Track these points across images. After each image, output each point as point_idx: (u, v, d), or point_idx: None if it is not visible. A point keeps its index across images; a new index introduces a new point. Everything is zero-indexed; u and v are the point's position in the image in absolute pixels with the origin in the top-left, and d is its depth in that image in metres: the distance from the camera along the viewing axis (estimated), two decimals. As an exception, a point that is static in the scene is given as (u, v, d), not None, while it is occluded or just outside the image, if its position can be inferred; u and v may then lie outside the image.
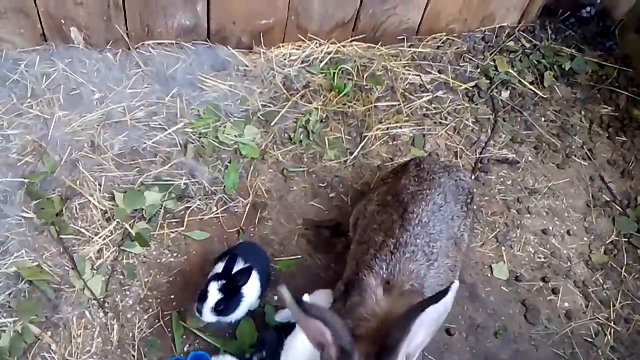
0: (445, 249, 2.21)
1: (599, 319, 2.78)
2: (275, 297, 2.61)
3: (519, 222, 2.99)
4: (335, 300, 2.23)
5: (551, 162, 3.22)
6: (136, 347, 2.44)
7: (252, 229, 2.80)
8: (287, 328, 2.34)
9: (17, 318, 2.42)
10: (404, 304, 2.00)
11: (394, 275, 2.08)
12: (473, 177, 3.04)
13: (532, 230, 2.98)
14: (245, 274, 2.31)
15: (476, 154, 3.17)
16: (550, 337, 2.70)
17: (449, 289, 1.75)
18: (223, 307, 2.30)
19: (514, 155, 3.20)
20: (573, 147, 3.30)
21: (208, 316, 2.30)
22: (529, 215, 3.02)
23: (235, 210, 2.84)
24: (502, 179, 3.11)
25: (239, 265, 2.37)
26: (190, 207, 2.79)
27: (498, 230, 2.94)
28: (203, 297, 2.30)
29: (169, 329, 2.49)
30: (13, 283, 2.50)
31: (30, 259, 2.55)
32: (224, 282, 2.29)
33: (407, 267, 2.09)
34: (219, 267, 2.37)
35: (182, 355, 2.42)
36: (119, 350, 2.43)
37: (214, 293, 2.28)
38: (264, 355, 2.28)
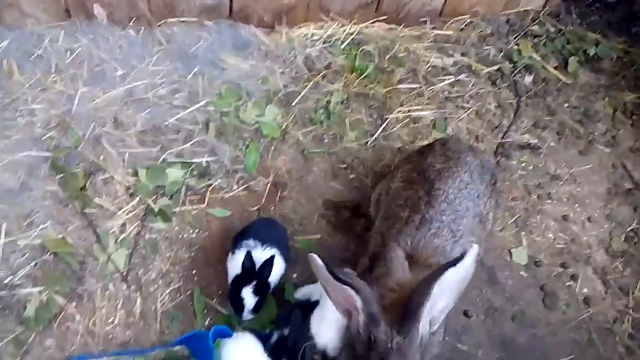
0: (470, 227, 2.21)
1: (617, 306, 2.78)
2: (295, 275, 2.63)
3: (539, 207, 2.98)
4: (360, 275, 2.23)
5: (573, 149, 3.20)
6: (158, 319, 2.47)
7: (272, 208, 2.81)
8: (308, 306, 2.36)
9: (42, 288, 2.47)
10: None
11: (419, 249, 2.10)
12: (494, 161, 3.03)
13: (552, 216, 2.97)
14: (268, 266, 2.34)
15: (498, 139, 3.16)
16: (568, 322, 2.70)
17: (467, 253, 1.77)
18: (259, 305, 2.35)
19: (536, 141, 3.18)
20: (596, 133, 3.27)
21: (248, 317, 2.37)
22: (549, 201, 3.01)
23: (256, 189, 2.85)
24: (523, 164, 3.10)
25: (254, 252, 2.39)
26: (212, 184, 2.81)
27: (518, 215, 2.94)
28: (239, 306, 2.33)
29: (190, 304, 2.52)
30: (38, 254, 2.53)
31: (55, 232, 2.59)
32: (254, 283, 2.31)
33: (432, 242, 2.11)
34: (237, 261, 2.36)
35: (203, 329, 2.45)
36: (142, 322, 2.47)
37: (249, 299, 2.31)
38: (285, 332, 2.30)
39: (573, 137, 3.23)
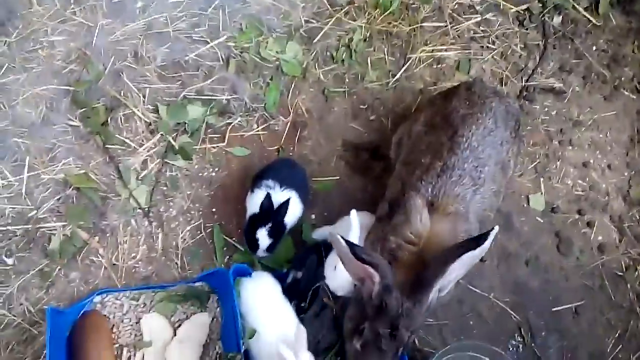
0: (492, 174, 2.20)
1: (631, 253, 2.80)
2: (313, 216, 2.67)
3: (560, 153, 2.95)
4: (379, 219, 2.27)
5: (598, 94, 3.12)
6: (179, 255, 2.55)
7: (291, 148, 2.82)
8: (325, 246, 2.41)
9: (66, 223, 2.53)
10: (447, 226, 2.05)
11: (439, 197, 2.10)
12: (518, 105, 2.98)
13: (572, 163, 2.94)
14: (284, 207, 2.37)
15: (522, 82, 3.09)
16: (581, 268, 2.73)
17: (488, 235, 1.81)
18: (274, 245, 2.39)
19: (561, 85, 3.10)
20: (622, 79, 3.18)
21: (263, 255, 2.42)
22: (570, 148, 2.97)
23: (276, 128, 2.85)
24: (546, 109, 3.04)
25: (275, 191, 2.41)
26: (232, 123, 2.81)
27: (538, 161, 2.92)
28: (253, 245, 2.38)
29: (210, 241, 2.58)
30: (61, 189, 2.60)
31: (77, 167, 2.63)
32: (270, 225, 2.35)
33: (453, 190, 2.11)
34: (256, 201, 2.39)
35: (222, 266, 2.52)
36: (163, 257, 2.55)
37: (264, 239, 2.36)
38: (299, 275, 2.36)
39: (599, 82, 3.15)
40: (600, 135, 3.04)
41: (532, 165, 2.90)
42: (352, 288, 2.17)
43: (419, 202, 2.08)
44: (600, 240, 2.80)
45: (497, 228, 1.85)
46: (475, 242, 1.82)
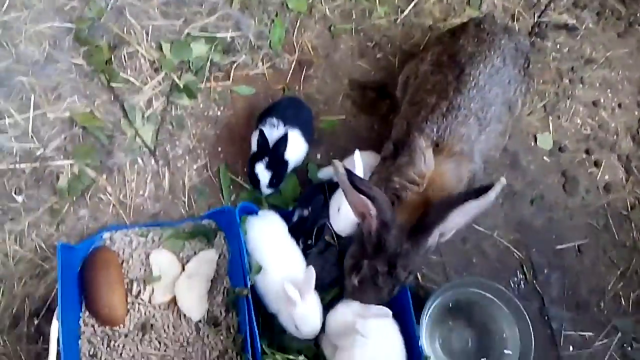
0: (498, 114, 2.17)
1: (637, 193, 2.79)
2: (318, 156, 2.67)
3: (570, 92, 2.90)
4: (384, 159, 2.27)
5: (612, 31, 3.04)
6: (186, 194, 2.58)
7: (297, 87, 2.79)
8: (330, 186, 2.42)
9: (73, 161, 2.56)
10: (452, 166, 2.05)
11: (444, 138, 2.09)
12: (529, 43, 2.91)
13: (582, 101, 2.90)
14: (282, 142, 2.36)
15: (534, 18, 3.01)
16: (587, 208, 2.73)
17: (492, 187, 1.80)
18: (276, 180, 2.39)
19: (574, 21, 3.02)
20: (638, 15, 3.09)
21: (266, 191, 2.43)
22: (581, 86, 2.92)
23: (281, 67, 2.81)
24: (558, 46, 2.98)
25: (275, 131, 2.40)
26: (236, 61, 2.77)
27: (547, 99, 2.87)
28: (255, 181, 2.38)
29: (216, 179, 2.60)
30: (67, 127, 2.60)
31: (82, 105, 2.63)
32: (267, 158, 2.35)
33: (459, 130, 2.09)
34: (256, 138, 2.40)
35: (229, 204, 2.55)
36: (170, 195, 2.58)
37: (263, 174, 2.36)
38: (305, 213, 2.38)
39: (613, 19, 3.06)
40: (612, 74, 2.98)
41: (542, 104, 2.86)
42: (355, 229, 2.20)
43: (423, 143, 2.07)
44: (607, 179, 2.79)
45: (503, 180, 1.83)
46: (478, 191, 1.82)
